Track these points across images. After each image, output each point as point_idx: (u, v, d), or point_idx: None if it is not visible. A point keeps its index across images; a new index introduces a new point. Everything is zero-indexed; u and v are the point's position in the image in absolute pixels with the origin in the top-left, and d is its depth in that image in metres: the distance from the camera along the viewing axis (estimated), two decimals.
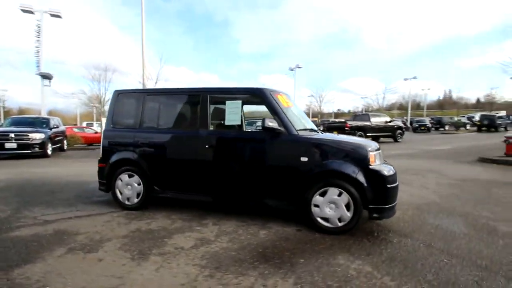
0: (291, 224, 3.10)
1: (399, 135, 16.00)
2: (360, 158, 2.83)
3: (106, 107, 17.40)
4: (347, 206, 2.80)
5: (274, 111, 3.10)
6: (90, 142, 15.56)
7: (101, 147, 3.82)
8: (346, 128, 14.66)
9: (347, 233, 2.84)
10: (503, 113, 38.14)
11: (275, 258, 2.35)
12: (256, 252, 2.47)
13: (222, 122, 3.34)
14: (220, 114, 3.38)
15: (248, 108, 4.00)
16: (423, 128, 27.41)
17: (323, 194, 2.87)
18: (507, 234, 2.87)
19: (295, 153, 2.95)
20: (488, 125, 23.80)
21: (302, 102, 49.26)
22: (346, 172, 2.79)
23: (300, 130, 3.08)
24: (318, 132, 3.34)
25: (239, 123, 3.38)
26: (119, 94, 3.83)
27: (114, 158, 3.66)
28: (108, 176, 3.68)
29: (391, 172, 2.88)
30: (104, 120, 15.30)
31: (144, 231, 2.95)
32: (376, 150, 2.95)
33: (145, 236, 2.82)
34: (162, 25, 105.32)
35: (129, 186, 3.60)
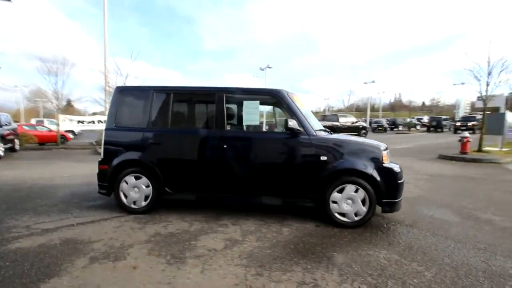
0: (308, 221, 3.26)
1: (363, 134, 17.30)
2: (374, 157, 3.10)
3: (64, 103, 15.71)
4: (363, 202, 3.05)
5: (293, 113, 3.23)
6: (44, 142, 14.02)
7: (102, 148, 3.55)
8: None
9: (361, 227, 3.09)
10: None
11: (310, 253, 2.48)
12: (289, 248, 2.57)
13: (238, 122, 3.36)
14: (236, 113, 3.38)
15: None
16: (380, 128, 29.87)
17: (340, 191, 3.08)
18: (489, 221, 3.39)
19: (316, 152, 3.12)
20: (436, 126, 26.94)
21: None
22: (362, 170, 3.03)
23: (317, 130, 3.25)
24: (330, 133, 3.54)
25: (257, 123, 3.44)
26: (122, 91, 3.60)
27: (119, 159, 3.44)
28: (111, 178, 3.45)
29: (400, 169, 3.20)
30: (62, 117, 14.05)
31: (166, 235, 2.85)
32: (386, 149, 3.25)
33: (169, 240, 2.73)
34: (119, 16, 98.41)
35: (136, 188, 3.42)
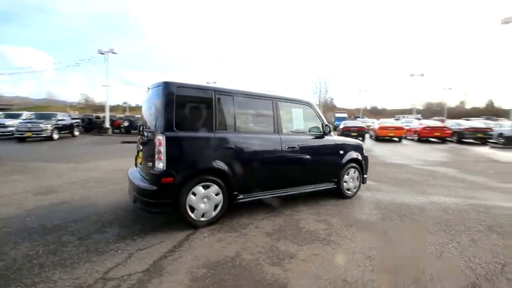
0: (329, 197, 4.56)
1: None
2: (360, 149, 4.90)
3: None
4: (357, 179, 4.79)
5: (320, 118, 4.37)
6: None
7: (164, 157, 2.92)
8: None
9: (356, 195, 4.83)
10: None
11: (334, 209, 3.88)
12: (326, 207, 3.82)
13: (288, 126, 4.01)
14: (286, 118, 4.00)
15: None
16: None
17: (348, 174, 4.64)
18: (393, 165, 6.20)
19: (338, 148, 4.46)
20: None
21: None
22: (358, 158, 4.75)
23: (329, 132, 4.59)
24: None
25: (302, 127, 4.23)
26: (179, 88, 3.10)
27: (189, 168, 3.05)
28: (178, 192, 3.00)
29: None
30: None
31: (276, 230, 3.16)
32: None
33: (286, 231, 3.12)
34: None
35: (205, 199, 3.21)
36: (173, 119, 3.04)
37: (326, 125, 4.32)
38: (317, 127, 4.33)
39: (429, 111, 49.30)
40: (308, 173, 4.16)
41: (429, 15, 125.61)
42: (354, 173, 4.72)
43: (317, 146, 4.27)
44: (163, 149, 2.95)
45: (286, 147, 3.83)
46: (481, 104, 58.56)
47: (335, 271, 2.38)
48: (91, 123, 22.40)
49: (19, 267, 2.36)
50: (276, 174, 3.80)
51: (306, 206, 4.14)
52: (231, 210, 3.57)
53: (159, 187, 2.95)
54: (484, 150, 13.08)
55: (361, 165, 4.82)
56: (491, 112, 50.37)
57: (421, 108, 52.46)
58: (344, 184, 4.59)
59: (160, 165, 2.96)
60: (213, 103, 3.33)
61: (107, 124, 21.22)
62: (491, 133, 15.56)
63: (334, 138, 4.51)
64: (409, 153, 11.83)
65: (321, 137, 4.32)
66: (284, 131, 3.91)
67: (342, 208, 4.14)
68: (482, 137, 15.61)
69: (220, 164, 3.26)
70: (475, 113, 47.99)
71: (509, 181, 6.40)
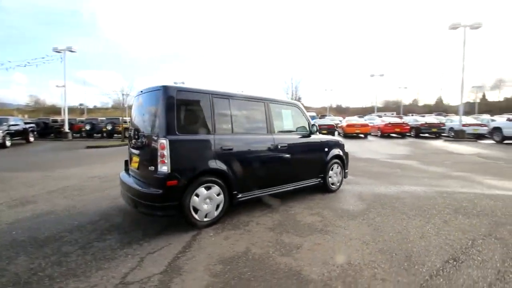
0: (315, 192, 4.89)
1: None
2: (341, 146, 5.30)
3: None
4: (340, 173, 5.18)
5: (307, 118, 4.67)
6: None
7: (168, 160, 2.95)
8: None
9: (339, 189, 5.22)
10: None
11: (321, 202, 4.25)
12: (320, 200, 4.17)
13: (279, 126, 4.24)
14: (275, 119, 4.22)
15: None
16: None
17: (332, 169, 5.00)
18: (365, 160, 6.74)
19: (323, 146, 4.80)
20: None
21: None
22: (340, 154, 5.15)
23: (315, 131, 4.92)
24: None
25: (292, 127, 4.48)
26: (179, 92, 3.15)
27: (191, 170, 3.13)
28: (182, 194, 3.07)
29: None
30: None
31: (279, 223, 3.37)
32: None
33: (287, 223, 3.35)
34: None
35: (207, 199, 3.31)
36: (174, 123, 3.09)
37: (313, 124, 4.64)
38: (304, 127, 4.63)
39: (387, 109, 53.25)
40: (298, 170, 4.44)
41: (387, 20, 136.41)
42: (337, 168, 5.10)
43: (306, 144, 4.57)
44: (166, 152, 2.99)
45: (279, 146, 4.06)
46: (431, 101, 64.66)
47: (339, 256, 2.65)
48: (47, 128, 20.69)
49: (26, 281, 2.28)
50: (271, 172, 4.01)
51: (297, 202, 4.41)
52: (229, 209, 3.70)
53: (165, 190, 2.99)
54: (439, 143, 14.61)
55: (343, 161, 5.23)
56: (441, 108, 56.15)
57: (380, 106, 56.31)
58: (329, 179, 4.95)
59: (164, 168, 3.00)
60: (211, 106, 3.44)
61: (66, 128, 19.77)
62: (444, 127, 17.40)
63: (319, 137, 4.85)
64: (375, 148, 12.81)
65: (308, 136, 4.62)
66: (276, 131, 4.14)
67: (329, 201, 4.48)
68: (436, 132, 17.40)
69: (220, 165, 3.38)
70: (426, 110, 53.07)
71: (464, 170, 7.32)
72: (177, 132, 3.10)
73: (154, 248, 2.83)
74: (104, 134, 20.13)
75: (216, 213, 3.41)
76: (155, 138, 3.10)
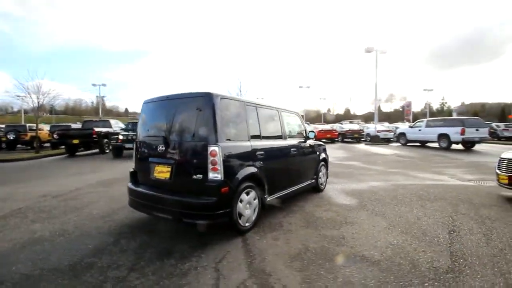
0: (308, 191, 5.42)
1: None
2: (325, 150, 6.03)
3: None
4: (325, 174, 5.89)
5: (303, 125, 5.21)
6: None
7: (221, 167, 2.92)
8: (94, 136, 13.79)
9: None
10: None
11: (311, 197, 4.95)
12: (312, 199, 4.81)
13: (288, 132, 4.62)
14: (286, 126, 4.60)
15: None
16: None
17: (321, 171, 5.66)
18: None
19: (316, 150, 5.40)
20: None
21: None
22: (326, 157, 5.86)
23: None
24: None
25: (294, 133, 4.87)
26: (222, 99, 3.18)
27: (240, 176, 3.19)
28: (231, 200, 3.11)
29: None
30: None
31: (314, 221, 3.71)
32: None
33: (322, 223, 3.73)
34: None
35: (247, 204, 3.41)
36: (223, 130, 3.14)
37: (311, 131, 5.21)
38: (302, 133, 5.14)
39: (307, 118, 59.79)
40: (303, 172, 4.90)
41: (313, 39, 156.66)
42: (324, 169, 5.79)
43: (306, 148, 5.08)
44: (219, 159, 3.01)
45: (292, 150, 4.45)
46: (341, 111, 75.76)
47: (381, 241, 3.20)
48: None
49: None
50: (288, 174, 4.38)
51: (302, 201, 4.85)
52: (262, 213, 3.84)
53: (219, 198, 2.98)
54: (362, 147, 17.44)
55: (327, 163, 5.96)
56: (348, 117, 66.46)
57: (302, 114, 62.87)
58: (319, 179, 5.58)
59: (218, 175, 3.00)
60: (245, 114, 3.59)
61: None
62: (363, 133, 20.83)
63: (312, 141, 5.44)
64: None
65: (305, 141, 5.15)
66: (287, 136, 4.52)
67: (328, 198, 5.08)
68: (357, 137, 20.66)
69: (257, 171, 3.54)
70: (339, 118, 62.00)
71: (396, 167, 9.10)
72: (225, 139, 3.15)
73: (215, 258, 2.79)
74: (3, 145, 16.39)
75: (253, 218, 3.53)
76: (202, 145, 3.06)
